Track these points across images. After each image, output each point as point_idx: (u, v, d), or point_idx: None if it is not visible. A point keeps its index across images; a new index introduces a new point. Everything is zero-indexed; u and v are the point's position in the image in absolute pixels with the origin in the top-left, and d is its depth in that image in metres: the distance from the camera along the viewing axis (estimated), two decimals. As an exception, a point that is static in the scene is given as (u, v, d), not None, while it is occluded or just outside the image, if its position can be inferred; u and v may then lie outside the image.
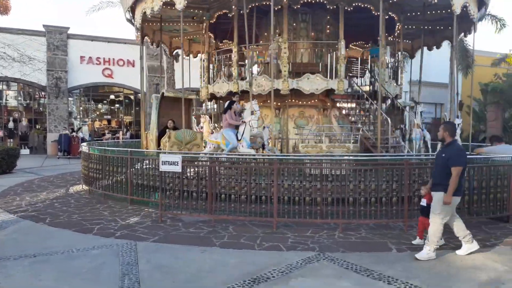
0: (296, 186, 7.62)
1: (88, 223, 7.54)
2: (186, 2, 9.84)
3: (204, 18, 12.82)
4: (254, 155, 9.40)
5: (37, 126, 25.86)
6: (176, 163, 7.47)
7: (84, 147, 11.71)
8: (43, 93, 24.92)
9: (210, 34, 13.69)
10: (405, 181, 7.31)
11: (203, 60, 13.92)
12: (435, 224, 5.73)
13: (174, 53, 16.41)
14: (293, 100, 11.89)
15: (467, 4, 10.34)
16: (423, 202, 6.31)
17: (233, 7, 11.31)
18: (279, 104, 12.00)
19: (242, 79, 11.93)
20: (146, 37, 14.35)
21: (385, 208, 7.36)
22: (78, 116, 27.12)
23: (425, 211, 6.14)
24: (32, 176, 14.17)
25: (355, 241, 6.59)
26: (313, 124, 11.68)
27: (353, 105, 11.46)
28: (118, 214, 8.26)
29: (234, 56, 11.51)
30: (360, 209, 7.30)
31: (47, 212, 8.41)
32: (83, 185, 11.36)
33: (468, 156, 8.81)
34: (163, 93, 12.34)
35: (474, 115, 24.73)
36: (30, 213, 8.35)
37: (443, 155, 5.80)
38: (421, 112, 11.58)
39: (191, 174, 8.13)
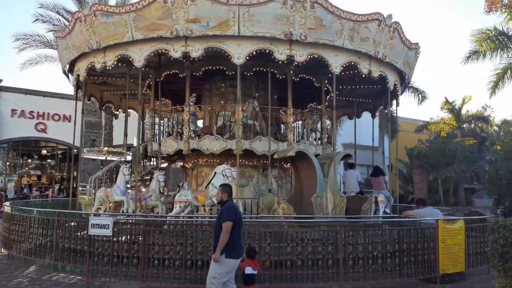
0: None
1: (3, 294, 6.81)
2: (145, 61, 9.84)
3: (151, 76, 12.85)
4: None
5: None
6: (106, 226, 7.11)
7: (6, 207, 10.83)
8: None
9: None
10: (339, 243, 7.48)
11: (141, 117, 13.79)
12: None
13: (103, 108, 15.98)
14: (242, 160, 11.96)
15: (396, 82, 11.51)
16: (248, 270, 6.03)
17: (187, 68, 11.55)
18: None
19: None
20: (93, 98, 14.10)
21: (322, 271, 7.42)
22: (4, 172, 25.25)
23: (249, 279, 6.02)
24: None
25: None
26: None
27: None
28: (39, 283, 7.54)
29: (186, 115, 11.53)
30: (298, 272, 7.28)
31: (-46, 282, 7.50)
32: (2, 249, 10.35)
33: (397, 219, 9.38)
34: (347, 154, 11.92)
35: (402, 177, 26.41)
36: None
37: (218, 215, 5.89)
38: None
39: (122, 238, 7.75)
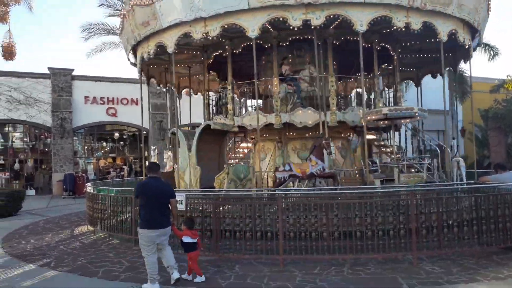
0: (302, 222, 7.56)
1: (93, 265, 7.46)
2: (176, 46, 10.15)
3: (203, 58, 13.12)
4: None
5: (43, 166, 26.01)
6: (180, 202, 7.46)
7: (89, 188, 11.73)
8: (48, 134, 25.21)
9: (212, 72, 14.07)
10: (411, 212, 7.25)
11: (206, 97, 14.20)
12: (144, 259, 6.14)
13: (182, 92, 16.55)
14: (292, 134, 11.91)
15: (454, 31, 10.19)
16: (185, 238, 6.44)
17: (226, 47, 11.70)
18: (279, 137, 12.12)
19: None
20: (152, 79, 14.62)
21: (393, 241, 7.26)
22: (84, 156, 27.31)
23: (188, 247, 6.42)
24: (37, 218, 14.12)
25: (364, 277, 6.46)
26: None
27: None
28: (123, 256, 8.17)
29: (229, 93, 11.70)
30: (368, 243, 7.20)
31: (52, 255, 8.34)
32: (88, 226, 11.30)
33: (474, 186, 8.83)
34: (208, 124, 11.07)
35: (477, 141, 24.70)
36: (35, 256, 8.28)
37: None
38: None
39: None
